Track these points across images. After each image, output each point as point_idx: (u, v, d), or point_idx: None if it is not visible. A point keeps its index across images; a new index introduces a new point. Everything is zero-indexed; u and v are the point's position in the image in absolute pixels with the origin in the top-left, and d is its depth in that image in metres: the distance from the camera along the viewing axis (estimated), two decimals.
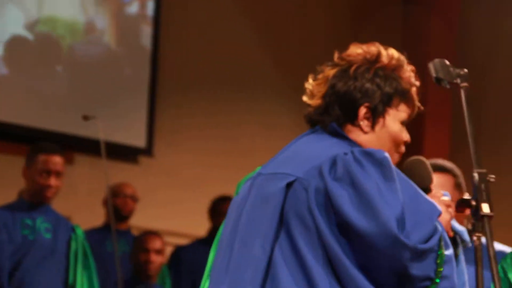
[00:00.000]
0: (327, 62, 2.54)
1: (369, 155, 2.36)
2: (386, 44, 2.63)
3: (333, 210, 2.30)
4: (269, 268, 2.32)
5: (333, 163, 2.35)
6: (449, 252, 2.37)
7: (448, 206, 2.51)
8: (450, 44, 7.78)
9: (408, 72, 2.52)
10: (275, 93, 8.21)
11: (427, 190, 2.54)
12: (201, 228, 6.64)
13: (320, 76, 2.52)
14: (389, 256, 2.27)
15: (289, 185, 2.36)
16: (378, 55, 2.50)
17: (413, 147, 8.24)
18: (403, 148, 2.54)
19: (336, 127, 2.47)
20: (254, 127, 8.09)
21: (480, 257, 2.27)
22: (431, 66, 2.49)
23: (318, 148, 2.44)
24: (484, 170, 2.34)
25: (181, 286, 6.19)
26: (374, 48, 2.52)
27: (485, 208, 2.29)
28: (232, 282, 2.35)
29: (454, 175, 3.55)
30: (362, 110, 2.46)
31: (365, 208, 2.28)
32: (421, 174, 2.59)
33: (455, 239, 2.58)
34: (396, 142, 2.50)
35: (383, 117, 2.48)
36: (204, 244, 6.37)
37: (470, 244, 2.59)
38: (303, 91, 2.55)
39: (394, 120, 2.50)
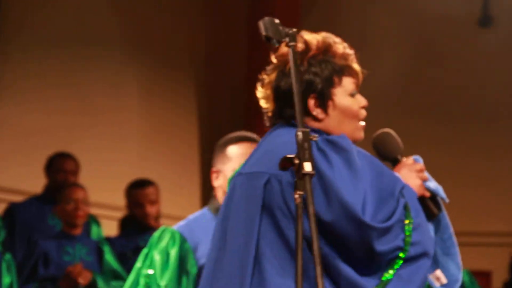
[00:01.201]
0: (268, 67, 2.68)
1: (332, 143, 2.52)
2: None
3: None
4: (255, 262, 2.46)
5: None
6: (416, 214, 2.53)
7: (420, 171, 2.66)
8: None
9: (339, 47, 2.65)
10: (123, 53, 8.10)
11: (397, 160, 2.70)
12: (37, 185, 6.50)
13: (265, 81, 2.67)
14: (356, 239, 2.43)
15: (266, 183, 2.51)
16: (307, 46, 2.63)
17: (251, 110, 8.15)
18: (363, 113, 2.67)
19: (294, 124, 2.56)
20: (101, 86, 7.96)
21: (301, 214, 2.29)
22: (261, 24, 2.48)
23: (286, 143, 2.52)
24: (307, 129, 2.36)
25: (15, 243, 6.05)
26: (300, 41, 2.62)
27: (307, 166, 2.31)
28: (223, 278, 2.51)
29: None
30: (311, 101, 2.61)
31: (330, 198, 2.43)
32: (390, 146, 2.73)
33: (436, 199, 2.71)
34: (353, 114, 2.64)
35: (331, 99, 2.62)
36: (39, 201, 6.25)
37: (447, 200, 2.73)
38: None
39: (344, 96, 2.64)
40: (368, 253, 2.46)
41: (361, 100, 2.68)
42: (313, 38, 2.66)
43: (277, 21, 2.50)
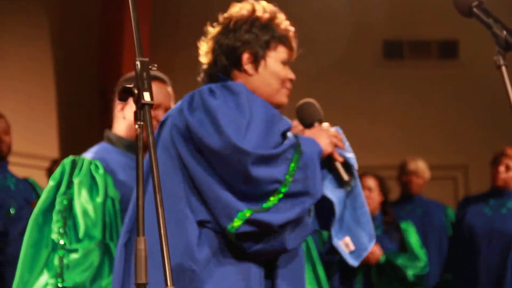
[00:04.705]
0: (213, 23, 2.94)
1: (225, 86, 2.75)
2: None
3: (191, 137, 2.67)
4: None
5: (191, 98, 2.73)
6: (306, 158, 2.68)
7: (333, 136, 2.86)
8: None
9: (282, 20, 2.92)
10: None
11: (312, 125, 2.92)
12: None
13: (208, 36, 2.92)
14: (233, 162, 2.60)
15: (162, 123, 2.77)
16: (253, 10, 2.90)
17: (114, 46, 8.06)
18: (289, 85, 2.91)
19: (219, 75, 2.87)
20: None
21: (141, 146, 2.28)
22: None
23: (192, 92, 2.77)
24: (146, 59, 2.34)
25: None
26: (248, 4, 2.92)
27: (146, 96, 2.30)
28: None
29: (167, 83, 3.53)
30: (245, 56, 2.87)
31: (213, 127, 2.64)
32: (308, 113, 2.95)
33: (349, 167, 2.86)
34: (280, 80, 2.89)
35: (264, 59, 2.88)
36: None
37: (356, 167, 2.88)
38: None
39: (276, 61, 2.89)
40: (245, 178, 2.61)
41: (289, 72, 2.92)
42: (261, 6, 2.92)
43: None
